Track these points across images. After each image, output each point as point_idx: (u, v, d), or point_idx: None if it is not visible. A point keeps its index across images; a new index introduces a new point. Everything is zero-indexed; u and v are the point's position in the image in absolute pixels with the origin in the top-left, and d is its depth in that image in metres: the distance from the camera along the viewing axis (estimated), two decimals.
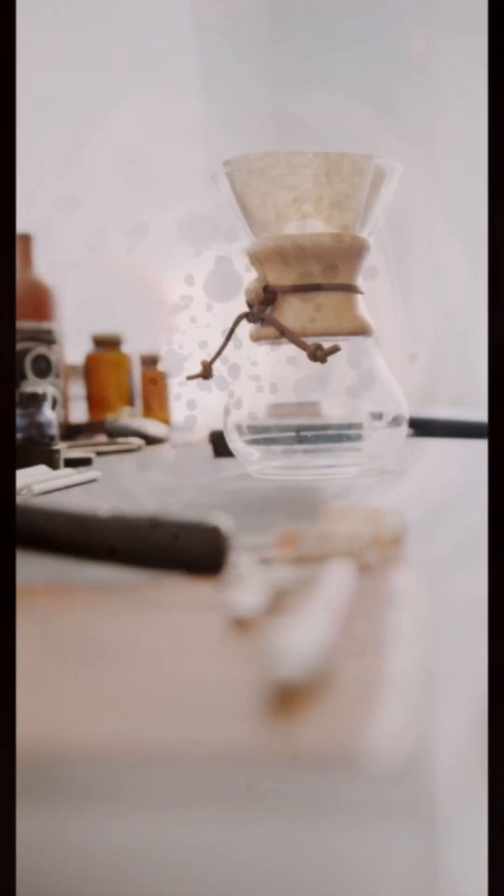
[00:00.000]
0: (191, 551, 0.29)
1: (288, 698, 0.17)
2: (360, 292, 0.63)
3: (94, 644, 0.22)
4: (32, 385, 1.08)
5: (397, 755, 0.14)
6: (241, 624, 0.23)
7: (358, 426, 0.63)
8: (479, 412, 1.01)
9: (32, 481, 0.59)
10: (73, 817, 0.14)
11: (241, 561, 0.30)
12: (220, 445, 0.84)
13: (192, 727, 0.16)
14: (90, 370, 1.28)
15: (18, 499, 0.32)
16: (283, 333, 0.60)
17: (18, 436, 0.85)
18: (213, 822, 0.14)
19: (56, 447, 0.71)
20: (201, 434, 1.18)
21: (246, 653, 0.21)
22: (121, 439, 1.05)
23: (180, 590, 0.27)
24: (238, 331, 0.65)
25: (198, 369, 0.65)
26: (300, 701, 0.17)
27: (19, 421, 0.85)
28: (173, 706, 0.17)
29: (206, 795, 0.14)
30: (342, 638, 0.21)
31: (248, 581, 0.26)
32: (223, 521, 0.30)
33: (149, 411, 1.39)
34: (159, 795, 0.14)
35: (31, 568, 0.34)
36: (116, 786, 0.15)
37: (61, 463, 0.72)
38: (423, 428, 0.95)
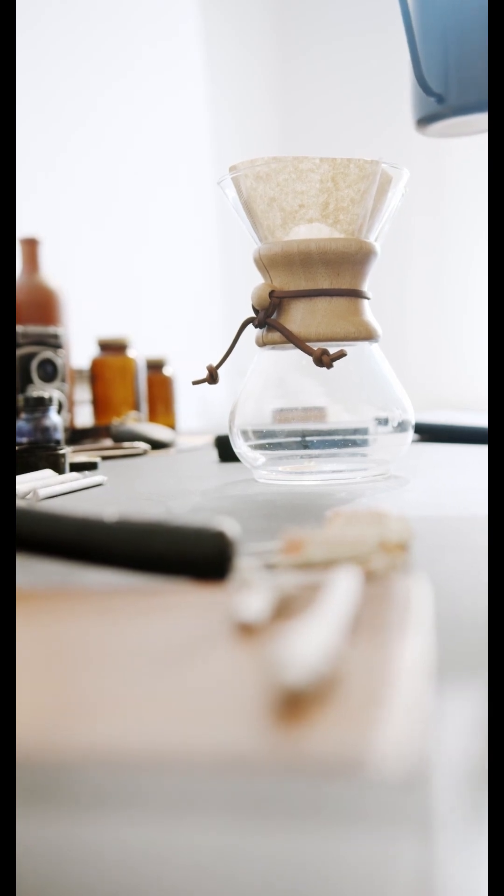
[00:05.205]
0: (196, 556, 0.29)
1: (293, 704, 0.17)
2: (367, 297, 0.63)
3: (99, 648, 0.22)
4: (38, 389, 1.08)
5: (402, 762, 0.14)
6: (247, 629, 0.23)
7: (363, 431, 0.63)
8: (485, 417, 1.01)
9: (38, 485, 0.59)
10: (74, 823, 0.14)
11: (246, 566, 0.30)
12: (225, 450, 0.84)
13: (196, 732, 0.16)
14: (96, 374, 1.28)
15: (24, 503, 0.32)
16: (289, 338, 0.60)
17: (24, 440, 0.85)
18: (217, 829, 0.14)
19: (62, 451, 0.71)
20: (207, 438, 1.18)
21: (251, 658, 0.21)
22: (126, 443, 1.05)
23: (186, 594, 0.27)
24: (244, 336, 0.65)
25: (204, 374, 0.66)
26: (305, 706, 0.17)
27: (25, 425, 0.85)
28: (178, 711, 0.17)
29: (209, 801, 0.14)
30: (347, 644, 0.21)
31: (253, 586, 0.26)
32: (229, 526, 0.30)
33: (154, 415, 1.40)
34: (163, 801, 0.14)
35: (37, 572, 0.34)
36: (119, 791, 0.15)
37: (67, 467, 0.72)
38: (429, 433, 0.95)
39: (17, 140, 1.35)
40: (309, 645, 0.18)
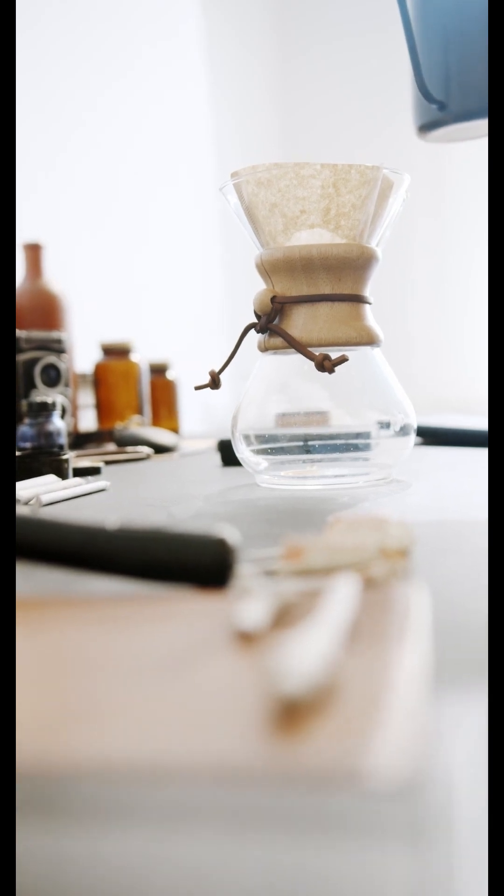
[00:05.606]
0: (197, 563, 0.29)
1: (291, 713, 0.17)
2: (368, 302, 0.63)
3: (98, 658, 0.22)
4: (42, 394, 1.08)
5: (399, 772, 0.15)
6: (246, 637, 0.23)
7: (366, 435, 0.63)
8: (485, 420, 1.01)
9: (41, 491, 0.59)
10: (71, 834, 0.14)
11: (247, 573, 0.30)
12: (228, 454, 0.85)
13: (195, 743, 0.16)
14: (99, 378, 1.29)
15: (25, 510, 0.32)
16: (291, 344, 0.60)
17: (27, 445, 0.85)
18: (215, 840, 0.14)
19: (65, 456, 0.72)
20: (210, 442, 1.18)
21: (250, 667, 0.21)
22: (130, 448, 1.05)
23: (186, 602, 0.28)
24: (246, 341, 0.65)
25: (206, 379, 0.66)
26: (303, 716, 0.17)
27: (28, 430, 0.85)
28: (176, 722, 0.17)
29: (207, 812, 0.14)
30: (345, 653, 0.21)
31: (253, 594, 0.26)
32: (229, 533, 0.30)
33: (158, 419, 1.40)
34: (160, 812, 0.14)
35: (37, 580, 0.34)
36: (116, 802, 0.15)
37: (70, 472, 0.72)
38: (431, 436, 0.95)
39: (17, 144, 1.35)
40: (307, 654, 0.19)
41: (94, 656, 0.22)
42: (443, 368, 2.43)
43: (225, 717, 0.18)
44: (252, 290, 0.64)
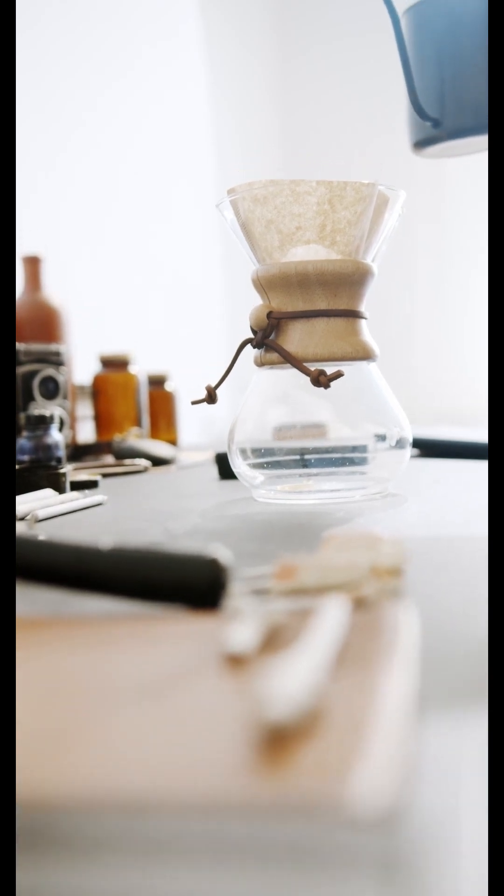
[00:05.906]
0: (190, 584, 0.29)
1: (276, 741, 0.17)
2: (364, 317, 0.64)
3: (86, 683, 0.22)
4: (40, 407, 1.08)
5: (380, 803, 0.15)
6: (236, 660, 0.23)
7: (362, 449, 0.64)
8: (484, 432, 1.01)
9: (37, 506, 0.59)
10: (59, 866, 0.14)
11: (238, 592, 0.30)
12: (225, 467, 0.85)
13: (180, 773, 0.16)
14: (98, 390, 1.29)
15: (22, 528, 0.32)
16: (287, 359, 0.60)
17: (25, 458, 0.85)
18: (200, 871, 0.14)
19: (62, 470, 0.72)
20: (208, 454, 1.19)
21: (237, 692, 0.21)
22: (128, 460, 1.05)
23: (178, 623, 0.28)
24: (243, 354, 0.65)
25: (203, 394, 0.66)
26: (288, 744, 0.17)
27: (26, 443, 0.86)
28: (163, 750, 0.18)
29: (191, 844, 0.14)
30: (332, 678, 0.21)
31: (244, 615, 0.27)
32: (222, 553, 0.30)
33: (156, 431, 1.40)
34: (145, 843, 0.15)
35: (32, 600, 0.35)
36: (101, 834, 0.15)
37: (68, 486, 0.73)
38: (428, 448, 0.96)
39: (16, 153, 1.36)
40: (294, 681, 0.19)
41: (82, 682, 0.22)
42: (448, 375, 2.43)
43: (211, 745, 0.18)
44: (252, 299, 0.65)
